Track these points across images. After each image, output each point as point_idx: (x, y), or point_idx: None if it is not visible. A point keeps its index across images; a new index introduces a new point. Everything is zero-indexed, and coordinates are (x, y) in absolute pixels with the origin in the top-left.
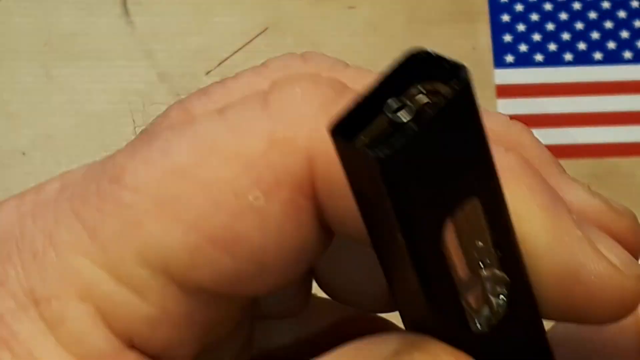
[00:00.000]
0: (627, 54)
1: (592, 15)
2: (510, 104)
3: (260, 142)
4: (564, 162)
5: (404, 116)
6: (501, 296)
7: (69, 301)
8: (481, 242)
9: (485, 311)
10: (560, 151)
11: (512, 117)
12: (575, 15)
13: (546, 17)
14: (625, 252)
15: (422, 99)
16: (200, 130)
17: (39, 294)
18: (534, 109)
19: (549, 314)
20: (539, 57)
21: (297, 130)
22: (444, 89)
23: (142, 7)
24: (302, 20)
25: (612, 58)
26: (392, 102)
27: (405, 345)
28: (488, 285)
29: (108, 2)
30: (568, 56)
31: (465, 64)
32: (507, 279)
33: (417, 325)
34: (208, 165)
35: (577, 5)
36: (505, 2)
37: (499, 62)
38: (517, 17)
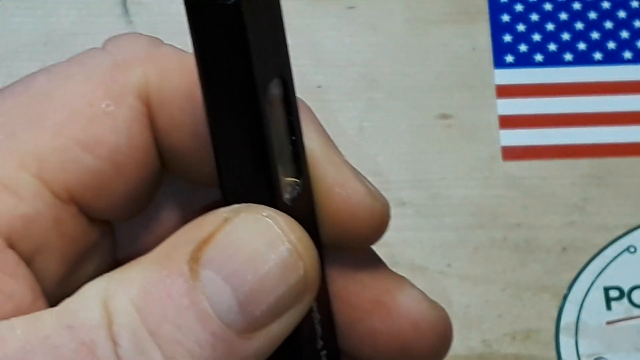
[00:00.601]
0: (627, 54)
1: (592, 15)
2: (510, 104)
3: (104, 66)
4: (564, 162)
5: None
6: (295, 180)
7: None
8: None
9: (289, 188)
10: (560, 151)
11: (512, 117)
12: (575, 16)
13: (546, 17)
14: (376, 188)
15: None
16: (53, 69)
17: None
18: (534, 109)
19: (323, 219)
20: (539, 57)
21: (134, 55)
22: None
23: (142, 7)
24: (302, 20)
25: (612, 58)
26: None
27: (233, 211)
28: (288, 167)
29: (108, 2)
30: (568, 56)
31: (465, 63)
32: (297, 169)
33: (239, 199)
34: (64, 87)
35: (577, 6)
36: (505, 2)
37: (499, 62)
38: (517, 17)
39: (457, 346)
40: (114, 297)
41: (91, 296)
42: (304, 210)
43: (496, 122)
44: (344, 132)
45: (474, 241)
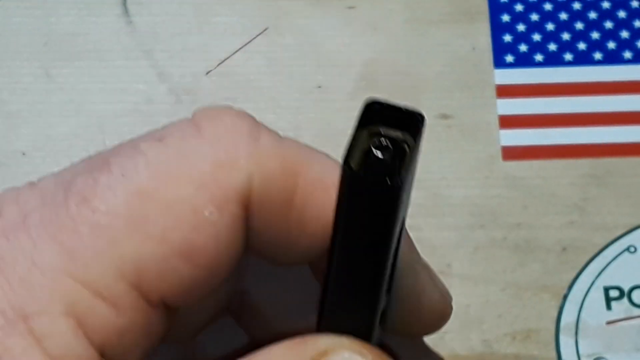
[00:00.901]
0: (627, 54)
1: (592, 15)
2: (510, 104)
3: (206, 165)
4: (563, 162)
5: (382, 152)
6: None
7: (55, 317)
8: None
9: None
10: (560, 151)
11: (512, 117)
12: (575, 15)
13: (546, 17)
14: (444, 285)
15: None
16: (150, 156)
17: (27, 310)
18: (533, 109)
19: (399, 324)
20: (539, 57)
21: (237, 153)
22: (398, 133)
23: (142, 7)
24: (302, 21)
25: (612, 58)
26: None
27: (334, 344)
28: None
29: (108, 2)
30: (568, 56)
31: (465, 63)
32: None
33: (337, 325)
34: (167, 187)
35: (577, 5)
36: (505, 2)
37: (499, 62)
38: (517, 17)
39: (457, 346)
40: None
41: None
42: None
43: (496, 122)
44: (344, 132)
45: (474, 241)
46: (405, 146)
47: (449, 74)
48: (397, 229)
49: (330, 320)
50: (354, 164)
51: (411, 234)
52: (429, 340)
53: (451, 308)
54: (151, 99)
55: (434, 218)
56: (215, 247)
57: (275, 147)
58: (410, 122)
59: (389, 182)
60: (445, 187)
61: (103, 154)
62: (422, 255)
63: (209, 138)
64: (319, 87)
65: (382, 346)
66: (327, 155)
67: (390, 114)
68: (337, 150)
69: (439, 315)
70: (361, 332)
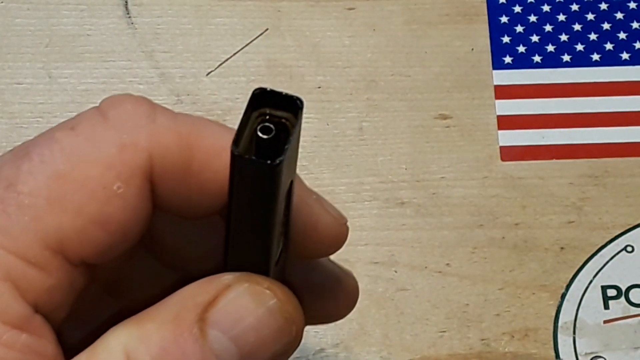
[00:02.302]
0: (625, 55)
1: (590, 16)
2: (509, 104)
3: (112, 148)
4: (562, 162)
5: (266, 133)
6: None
7: None
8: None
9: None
10: (558, 151)
11: (511, 118)
12: (573, 17)
13: (544, 18)
14: (337, 210)
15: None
16: (64, 143)
17: None
18: (532, 110)
19: (299, 253)
20: (537, 58)
21: (138, 135)
22: (284, 114)
23: (143, 9)
24: (302, 22)
25: (610, 59)
26: (255, 121)
27: (236, 280)
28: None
29: (110, 4)
30: (566, 57)
31: (464, 64)
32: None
33: (239, 266)
34: (80, 169)
35: (574, 7)
36: (504, 4)
37: (498, 63)
38: (515, 19)
39: (456, 344)
40: (136, 352)
41: (115, 350)
42: (281, 259)
43: (495, 122)
44: (343, 132)
45: (472, 241)
46: (288, 124)
47: (448, 74)
48: (282, 192)
49: (234, 262)
50: (243, 143)
51: (410, 234)
52: (429, 339)
53: (347, 228)
54: (152, 99)
55: (432, 217)
56: (124, 215)
57: (170, 124)
58: (292, 105)
59: (270, 162)
60: (444, 187)
61: (24, 144)
62: (421, 255)
63: (113, 124)
64: (319, 87)
65: (282, 281)
66: (217, 123)
67: (275, 99)
68: (336, 150)
69: (337, 235)
70: (260, 270)
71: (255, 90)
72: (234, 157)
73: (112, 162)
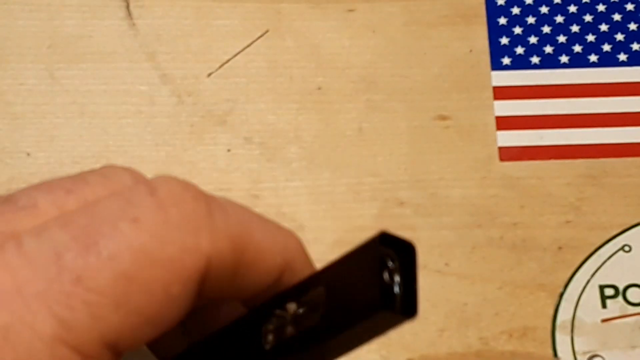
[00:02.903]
0: (622, 57)
1: (588, 18)
2: (507, 105)
3: (175, 249)
4: (560, 163)
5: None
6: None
7: None
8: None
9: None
10: (556, 152)
11: (509, 118)
12: (570, 18)
13: (542, 20)
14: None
15: None
16: (131, 240)
17: None
18: (530, 111)
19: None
20: (535, 60)
21: (199, 238)
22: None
23: (144, 10)
24: (302, 23)
25: (607, 60)
26: None
27: None
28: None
29: (111, 5)
30: (564, 58)
31: (463, 65)
32: None
33: None
34: (146, 271)
35: (572, 9)
36: (502, 5)
37: (496, 65)
38: (513, 20)
39: (455, 344)
40: None
41: None
42: None
43: (493, 123)
44: (343, 133)
45: (471, 240)
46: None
47: (447, 75)
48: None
49: None
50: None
51: (409, 234)
52: (428, 338)
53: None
54: (154, 101)
55: (431, 218)
56: (175, 314)
57: (225, 227)
58: (404, 251)
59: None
60: (443, 187)
61: (84, 226)
62: (420, 254)
63: (177, 223)
64: (319, 88)
65: None
66: (261, 218)
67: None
68: (336, 150)
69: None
70: None
71: (380, 231)
72: (374, 311)
73: (175, 266)
